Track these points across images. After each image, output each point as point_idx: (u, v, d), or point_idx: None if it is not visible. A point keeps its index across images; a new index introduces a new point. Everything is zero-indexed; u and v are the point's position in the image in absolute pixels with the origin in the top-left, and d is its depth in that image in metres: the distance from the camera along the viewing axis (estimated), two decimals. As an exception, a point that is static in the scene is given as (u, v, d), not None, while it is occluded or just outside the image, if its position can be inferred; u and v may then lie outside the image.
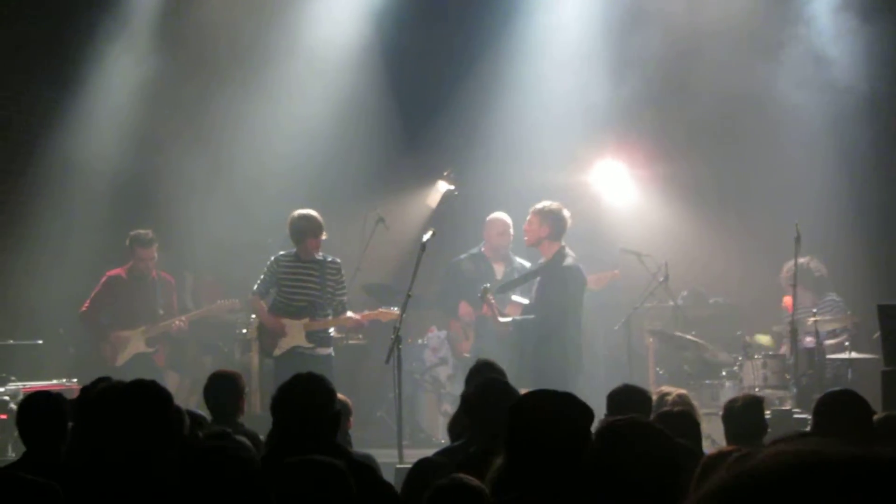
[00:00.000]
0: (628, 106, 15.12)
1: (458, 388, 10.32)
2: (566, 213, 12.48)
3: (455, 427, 7.26)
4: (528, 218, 12.50)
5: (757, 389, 12.15)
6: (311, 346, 12.46)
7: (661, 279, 13.55)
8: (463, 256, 13.77)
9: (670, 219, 15.47)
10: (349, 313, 12.69)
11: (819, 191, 14.49)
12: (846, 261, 14.25)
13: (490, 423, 5.73)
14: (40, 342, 13.93)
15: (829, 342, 13.28)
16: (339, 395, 6.56)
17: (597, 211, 15.42)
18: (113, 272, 13.77)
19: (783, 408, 12.14)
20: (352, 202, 15.38)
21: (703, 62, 14.61)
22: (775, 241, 13.93)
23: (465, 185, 15.78)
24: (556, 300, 12.24)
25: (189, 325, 13.94)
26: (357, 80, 15.94)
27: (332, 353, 12.71)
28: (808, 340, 13.11)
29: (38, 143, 15.00)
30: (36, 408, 6.63)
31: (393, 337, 11.40)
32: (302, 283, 12.56)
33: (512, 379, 7.28)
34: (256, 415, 12.55)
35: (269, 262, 12.73)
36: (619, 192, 15.89)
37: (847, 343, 13.01)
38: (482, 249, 13.69)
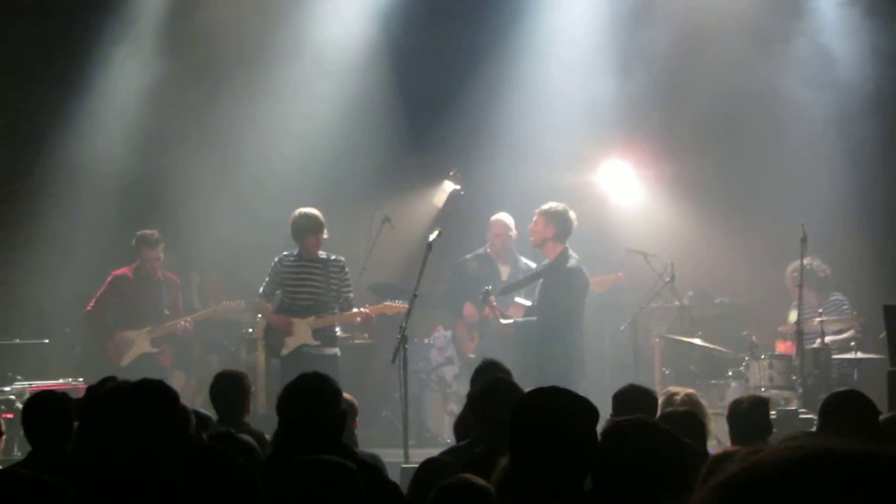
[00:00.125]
0: (634, 106, 15.12)
1: (464, 387, 10.31)
2: (572, 214, 12.48)
3: (461, 427, 7.25)
4: (535, 219, 12.51)
5: (763, 389, 12.15)
6: (317, 344, 12.47)
7: (667, 279, 13.55)
8: (469, 257, 13.78)
9: (676, 219, 15.46)
10: (354, 309, 12.70)
11: (825, 191, 14.49)
12: (852, 261, 14.25)
13: (496, 423, 5.72)
14: (46, 341, 13.94)
15: (832, 338, 13.26)
16: (345, 395, 6.55)
17: (603, 211, 15.42)
18: (119, 272, 13.77)
19: (789, 408, 12.13)
20: (358, 202, 15.39)
21: (708, 60, 14.59)
22: (781, 241, 13.91)
23: (472, 184, 15.77)
24: (559, 302, 12.25)
25: (195, 325, 13.95)
26: (363, 80, 15.94)
27: (338, 353, 12.71)
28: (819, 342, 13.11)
29: (45, 143, 15.02)
30: (41, 407, 6.64)
31: (399, 336, 11.41)
32: (306, 283, 12.57)
33: (517, 379, 7.28)
34: (262, 414, 12.58)
35: (273, 263, 12.75)
36: (625, 192, 15.88)
37: (853, 343, 13.00)
38: (487, 250, 13.70)
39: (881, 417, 6.87)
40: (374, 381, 15.13)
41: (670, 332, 14.14)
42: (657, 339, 14.04)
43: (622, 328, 13.91)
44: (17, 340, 13.85)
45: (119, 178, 15.26)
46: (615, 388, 7.63)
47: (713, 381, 13.29)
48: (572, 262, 12.35)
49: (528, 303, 12.70)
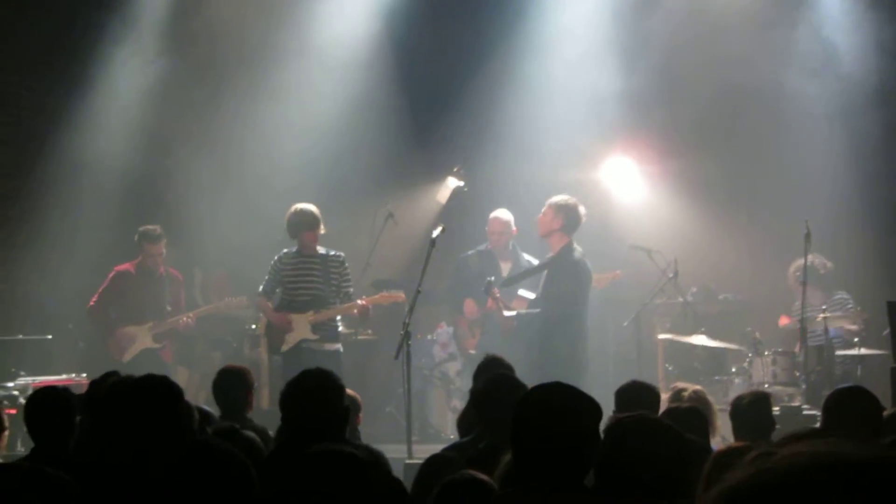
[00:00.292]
0: (638, 102, 15.10)
1: (467, 383, 10.32)
2: (582, 209, 12.52)
3: (464, 422, 7.26)
4: (544, 209, 12.54)
5: (766, 386, 12.15)
6: (316, 338, 12.48)
7: (671, 275, 13.55)
8: (470, 253, 13.80)
9: (680, 215, 15.46)
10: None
11: (829, 187, 14.49)
12: (856, 257, 14.24)
13: (499, 419, 5.72)
14: (49, 337, 13.94)
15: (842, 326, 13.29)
16: (348, 391, 6.55)
17: (606, 207, 15.41)
18: (121, 267, 13.77)
19: (792, 404, 12.13)
20: (362, 198, 15.38)
21: (711, 55, 14.57)
22: (785, 238, 13.91)
23: (475, 181, 15.76)
24: (563, 294, 12.25)
25: (197, 321, 13.94)
26: (367, 77, 15.94)
27: (341, 349, 12.72)
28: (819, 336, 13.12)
29: (48, 140, 15.01)
30: (44, 403, 6.64)
31: (402, 333, 11.41)
32: (305, 278, 12.58)
33: (520, 374, 7.28)
34: (265, 410, 12.58)
35: (273, 261, 12.78)
36: (628, 189, 15.88)
37: (856, 340, 12.99)
38: (489, 246, 13.70)
39: (885, 413, 6.86)
40: (377, 377, 15.13)
41: (674, 329, 14.14)
42: (660, 336, 14.03)
43: (625, 324, 13.91)
44: (21, 336, 13.86)
45: (122, 176, 15.27)
46: (618, 385, 7.62)
47: (716, 378, 13.29)
48: (576, 255, 12.37)
49: (532, 295, 12.71)
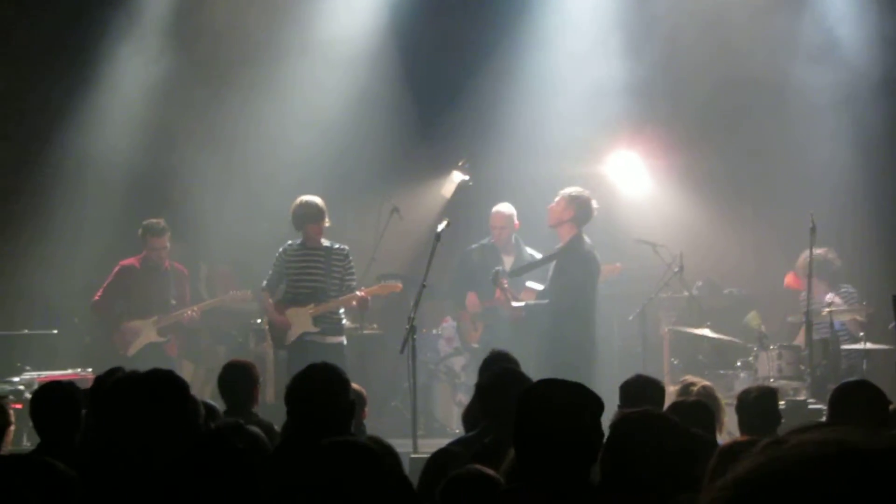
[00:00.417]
0: (643, 96, 15.08)
1: (472, 377, 10.33)
2: (594, 203, 12.55)
3: (469, 417, 7.26)
4: (556, 199, 12.54)
5: (772, 380, 12.15)
6: (318, 331, 12.49)
7: (676, 269, 13.55)
8: (474, 246, 13.82)
9: (685, 209, 15.44)
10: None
11: (834, 181, 14.47)
12: (861, 251, 14.23)
13: (505, 413, 5.73)
14: (55, 332, 13.96)
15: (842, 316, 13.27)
16: (354, 385, 6.56)
17: (612, 201, 15.39)
18: (126, 262, 13.77)
19: (798, 398, 12.13)
20: (366, 192, 15.37)
21: (716, 48, 14.57)
22: (790, 232, 13.90)
23: (480, 175, 15.74)
24: (572, 284, 12.25)
25: (202, 314, 13.95)
26: (372, 71, 15.93)
27: (344, 342, 12.73)
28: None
29: (53, 135, 15.03)
30: (50, 398, 6.65)
31: (408, 327, 11.42)
32: (308, 271, 12.60)
33: (527, 365, 7.28)
34: (271, 404, 12.58)
35: (277, 254, 12.78)
36: (633, 183, 15.86)
37: (861, 334, 12.98)
38: (492, 240, 13.71)
39: (891, 407, 6.86)
40: (382, 371, 15.13)
41: (679, 323, 14.14)
42: (666, 330, 14.02)
43: (631, 318, 13.90)
44: (26, 331, 13.88)
45: (127, 171, 15.27)
46: (623, 379, 7.62)
47: (722, 372, 13.28)
48: (586, 246, 12.38)
49: (540, 286, 12.71)
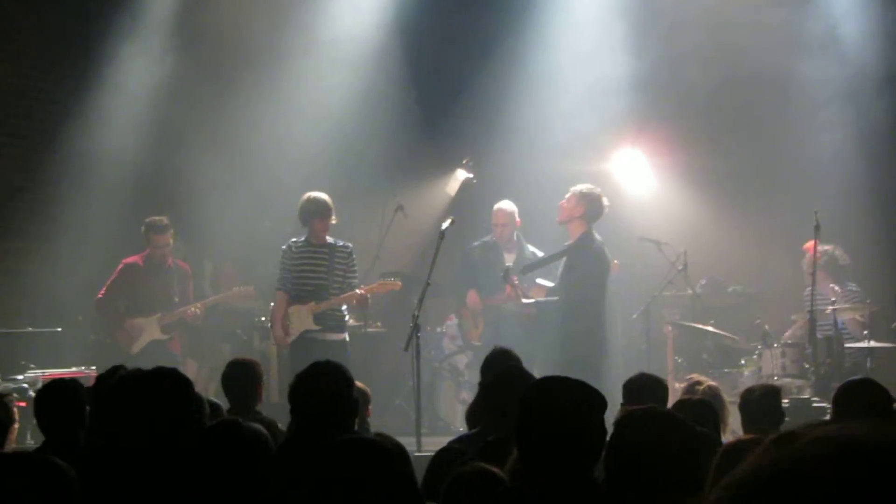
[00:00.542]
0: (647, 93, 15.09)
1: (476, 375, 10.33)
2: (605, 200, 12.55)
3: (473, 415, 7.26)
4: (567, 195, 12.54)
5: (776, 378, 12.14)
6: (319, 328, 12.47)
7: (680, 268, 13.55)
8: (475, 244, 13.85)
9: (689, 207, 15.45)
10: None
11: (838, 179, 14.46)
12: (865, 249, 14.21)
13: (509, 411, 5.73)
14: (59, 330, 13.96)
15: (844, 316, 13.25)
16: (358, 384, 6.55)
17: (616, 199, 15.38)
18: (129, 259, 13.78)
19: (802, 396, 12.12)
20: (371, 190, 15.37)
21: (720, 44, 14.56)
22: (794, 230, 13.89)
23: (484, 173, 15.75)
24: (582, 281, 12.25)
25: (206, 312, 13.95)
26: (377, 69, 15.93)
27: (347, 339, 12.71)
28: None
29: (58, 133, 15.01)
30: (54, 396, 6.65)
31: (412, 325, 11.42)
32: (311, 268, 12.58)
33: (534, 362, 7.28)
34: (275, 402, 12.59)
35: (283, 250, 12.76)
36: (638, 181, 15.86)
37: (865, 332, 12.97)
38: (493, 237, 13.72)
39: (895, 405, 6.85)
40: (386, 369, 15.14)
41: (683, 321, 14.13)
42: (670, 328, 14.02)
43: (635, 316, 13.90)
44: (30, 329, 13.88)
45: (133, 170, 15.27)
46: (627, 377, 7.62)
47: (726, 370, 13.29)
48: (595, 243, 12.38)
49: (551, 283, 12.71)
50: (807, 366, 12.67)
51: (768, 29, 14.68)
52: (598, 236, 12.50)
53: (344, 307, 12.77)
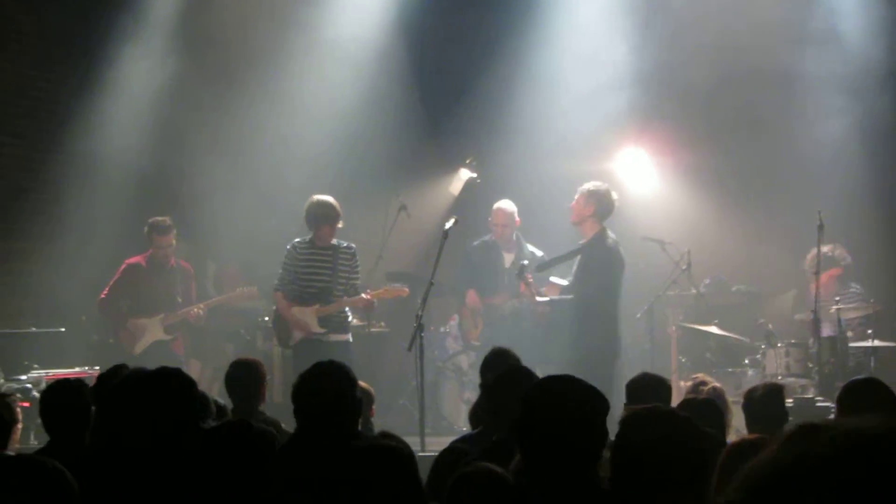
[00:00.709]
0: (650, 92, 15.08)
1: (478, 375, 10.33)
2: (614, 195, 12.54)
3: (476, 415, 7.25)
4: (576, 197, 12.52)
5: (779, 377, 12.13)
6: (323, 331, 12.47)
7: (684, 267, 13.54)
8: (475, 244, 13.86)
9: (693, 207, 15.44)
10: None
11: (842, 179, 14.44)
12: (868, 249, 14.20)
13: (512, 410, 5.72)
14: (63, 330, 13.96)
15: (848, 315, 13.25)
16: (361, 383, 6.55)
17: (620, 199, 15.39)
18: (132, 260, 13.79)
19: (805, 396, 12.11)
20: (374, 190, 15.36)
21: (723, 43, 14.55)
22: (798, 229, 13.88)
23: (488, 172, 15.75)
24: (596, 280, 12.24)
25: (209, 312, 13.96)
26: (380, 68, 15.93)
27: (350, 340, 12.70)
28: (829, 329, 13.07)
29: (62, 132, 15.01)
30: (59, 396, 6.65)
31: (415, 325, 11.42)
32: (316, 270, 12.57)
33: (530, 363, 7.26)
34: (278, 403, 12.58)
35: (286, 251, 12.73)
36: (641, 180, 15.85)
37: (869, 331, 12.96)
38: (493, 237, 13.72)
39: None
40: (389, 369, 15.14)
41: (687, 320, 14.13)
42: (674, 328, 14.01)
43: (638, 316, 13.88)
44: (34, 329, 13.88)
45: (136, 171, 15.27)
46: (631, 376, 7.62)
47: (730, 369, 13.28)
48: (610, 242, 12.36)
49: (565, 282, 12.70)
50: (810, 365, 12.66)
51: (770, 27, 14.66)
52: (612, 234, 12.48)
53: (347, 308, 12.77)
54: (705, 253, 14.26)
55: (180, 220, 14.03)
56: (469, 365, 14.53)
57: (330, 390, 5.73)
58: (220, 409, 7.38)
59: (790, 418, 7.80)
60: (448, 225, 11.92)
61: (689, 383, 8.32)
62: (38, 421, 6.82)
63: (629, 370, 10.94)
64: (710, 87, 14.80)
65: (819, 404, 11.61)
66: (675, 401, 7.90)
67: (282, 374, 13.75)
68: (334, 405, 5.69)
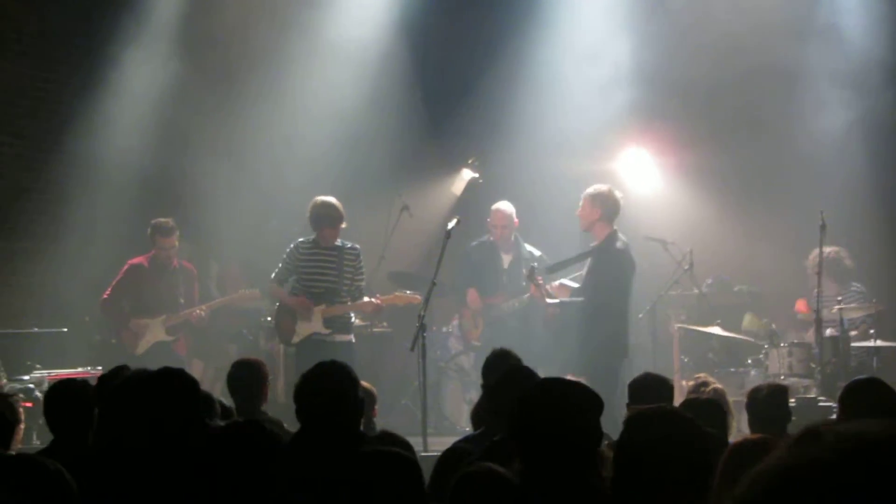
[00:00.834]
0: (652, 92, 15.08)
1: (479, 375, 10.33)
2: (618, 194, 12.48)
3: (478, 415, 7.25)
4: (581, 203, 12.48)
5: (782, 377, 12.14)
6: (328, 332, 12.46)
7: (686, 267, 13.54)
8: (474, 244, 13.86)
9: (695, 206, 15.44)
10: (366, 298, 12.68)
11: (844, 179, 14.44)
12: (871, 249, 14.20)
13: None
14: (65, 330, 13.97)
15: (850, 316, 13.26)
16: (364, 384, 6.55)
17: (623, 197, 15.40)
18: (134, 261, 13.79)
19: (808, 396, 12.12)
20: (376, 190, 15.36)
21: (726, 42, 14.55)
22: (800, 229, 13.88)
23: (490, 172, 15.75)
24: (607, 282, 12.21)
25: (211, 313, 13.95)
26: (382, 69, 15.93)
27: (353, 340, 12.69)
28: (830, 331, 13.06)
29: (64, 133, 15.03)
30: (62, 396, 6.66)
31: (418, 325, 11.41)
32: (320, 271, 12.55)
33: (532, 363, 7.26)
34: (281, 403, 12.58)
35: (288, 249, 12.72)
36: (643, 180, 15.85)
37: (872, 331, 12.96)
38: (491, 238, 13.72)
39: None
40: (392, 369, 15.12)
41: (689, 320, 14.12)
42: (676, 328, 14.01)
43: (641, 316, 13.87)
44: (36, 329, 13.89)
45: (138, 172, 15.28)
46: (633, 376, 7.62)
47: (732, 369, 13.29)
48: (620, 244, 12.32)
49: (575, 284, 12.69)
50: (813, 365, 12.66)
51: (772, 26, 14.66)
52: (622, 237, 12.43)
53: (350, 310, 12.79)
54: (707, 253, 14.26)
55: (183, 221, 14.03)
56: (471, 365, 14.53)
57: (332, 390, 5.73)
58: (227, 410, 7.38)
59: (793, 418, 7.80)
60: (450, 225, 11.92)
61: (692, 383, 8.32)
62: (41, 421, 6.83)
63: (631, 370, 10.95)
64: (712, 86, 14.81)
65: (821, 404, 11.62)
66: (677, 401, 7.89)
67: (285, 374, 13.74)
68: (336, 405, 5.69)
